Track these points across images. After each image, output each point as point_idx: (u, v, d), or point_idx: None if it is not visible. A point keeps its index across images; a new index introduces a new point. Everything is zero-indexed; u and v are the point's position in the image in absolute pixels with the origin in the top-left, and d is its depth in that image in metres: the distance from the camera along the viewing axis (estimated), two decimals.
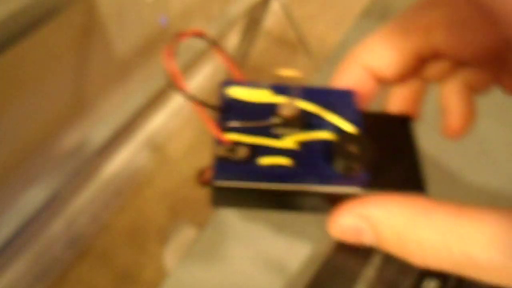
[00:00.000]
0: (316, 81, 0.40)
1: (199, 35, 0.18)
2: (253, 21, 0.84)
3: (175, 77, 0.16)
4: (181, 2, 0.79)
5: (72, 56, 0.63)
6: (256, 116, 0.17)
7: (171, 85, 0.16)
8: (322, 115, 0.18)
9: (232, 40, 0.91)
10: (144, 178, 0.89)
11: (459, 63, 0.20)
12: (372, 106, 0.21)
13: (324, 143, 0.17)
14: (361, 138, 0.17)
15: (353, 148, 0.16)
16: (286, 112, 0.17)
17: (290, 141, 0.17)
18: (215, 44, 0.18)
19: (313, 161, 0.17)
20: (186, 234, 0.69)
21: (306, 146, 0.17)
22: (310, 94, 0.18)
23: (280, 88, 0.18)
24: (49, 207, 0.62)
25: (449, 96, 0.21)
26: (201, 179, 0.17)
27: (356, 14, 0.44)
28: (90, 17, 0.62)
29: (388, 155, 0.19)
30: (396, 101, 0.22)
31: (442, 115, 0.21)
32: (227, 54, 0.19)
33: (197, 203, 0.84)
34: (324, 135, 0.17)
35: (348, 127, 0.18)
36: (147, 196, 0.87)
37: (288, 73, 0.17)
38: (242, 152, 0.16)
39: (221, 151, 0.16)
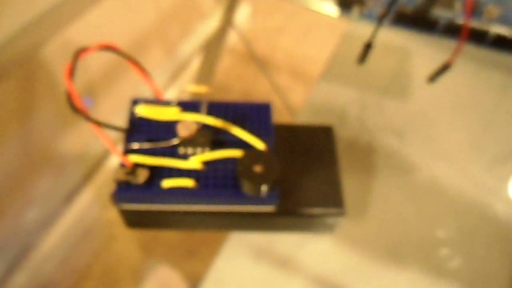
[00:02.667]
0: None
1: (108, 48, 0.16)
2: (213, 44, 0.81)
3: (72, 98, 0.15)
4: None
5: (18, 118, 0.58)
6: (162, 136, 0.17)
7: (70, 107, 0.15)
8: (232, 131, 0.17)
9: (195, 62, 0.88)
10: (112, 215, 0.83)
11: None
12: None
13: (231, 162, 0.17)
14: (267, 155, 0.16)
15: (258, 168, 0.15)
16: (184, 132, 0.16)
17: (195, 161, 0.16)
18: (129, 58, 0.16)
19: (218, 182, 0.16)
20: (160, 274, 0.65)
21: (211, 166, 0.17)
22: (221, 109, 0.18)
23: (188, 105, 0.18)
24: (13, 255, 0.57)
25: None
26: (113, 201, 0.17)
27: (322, 26, 0.39)
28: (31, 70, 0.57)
29: (306, 170, 0.18)
30: None
31: None
32: (143, 68, 0.17)
33: (170, 240, 0.79)
34: (232, 153, 0.17)
35: (258, 143, 0.17)
36: (117, 234, 0.81)
37: (196, 89, 0.17)
38: (142, 175, 0.16)
39: (121, 175, 0.16)
